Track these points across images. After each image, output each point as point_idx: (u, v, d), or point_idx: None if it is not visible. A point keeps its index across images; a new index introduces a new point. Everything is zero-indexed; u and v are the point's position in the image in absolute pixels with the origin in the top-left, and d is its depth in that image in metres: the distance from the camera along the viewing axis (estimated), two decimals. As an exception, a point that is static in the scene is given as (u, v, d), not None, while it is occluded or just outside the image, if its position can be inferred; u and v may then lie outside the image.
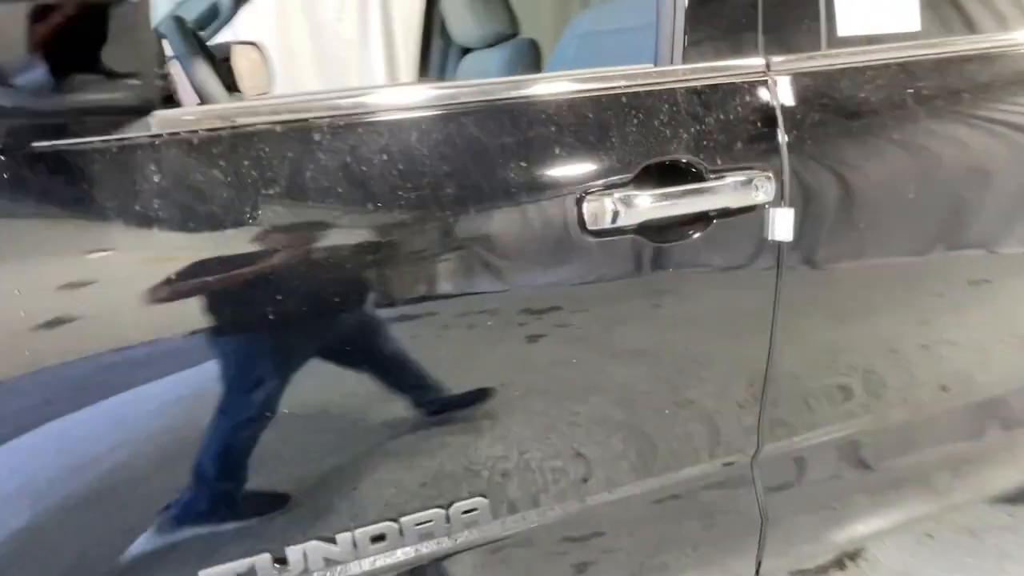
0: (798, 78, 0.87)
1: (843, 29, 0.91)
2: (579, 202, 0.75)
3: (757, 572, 1.03)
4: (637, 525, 0.95)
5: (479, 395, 0.78)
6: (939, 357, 1.07)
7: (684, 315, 0.87)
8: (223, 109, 0.70)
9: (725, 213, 0.81)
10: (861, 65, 0.90)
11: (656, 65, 0.84)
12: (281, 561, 0.73)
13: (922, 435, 1.13)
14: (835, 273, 0.95)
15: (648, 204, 0.77)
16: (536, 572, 0.90)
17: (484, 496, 0.81)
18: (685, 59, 0.83)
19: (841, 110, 0.88)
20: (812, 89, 0.87)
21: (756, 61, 0.85)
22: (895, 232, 0.95)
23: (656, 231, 0.79)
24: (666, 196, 0.78)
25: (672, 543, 0.98)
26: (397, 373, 0.74)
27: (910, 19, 0.95)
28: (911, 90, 0.91)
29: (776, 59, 0.86)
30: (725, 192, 0.80)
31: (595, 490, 0.88)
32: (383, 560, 0.79)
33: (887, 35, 0.94)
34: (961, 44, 0.98)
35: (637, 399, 0.87)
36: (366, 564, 0.77)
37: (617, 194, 0.75)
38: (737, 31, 0.85)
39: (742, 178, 0.81)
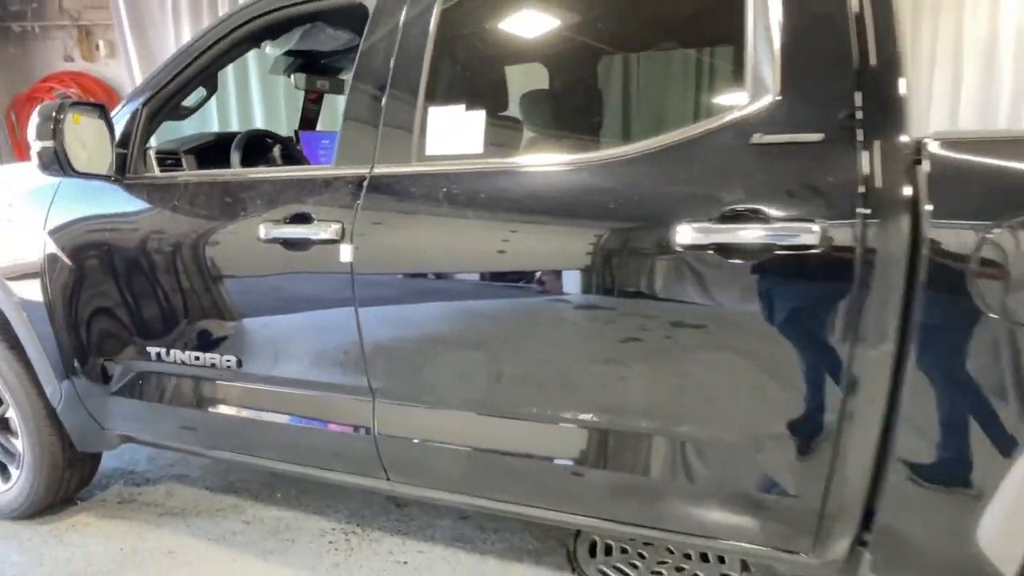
0: (392, 175, 1.55)
1: (430, 150, 1.54)
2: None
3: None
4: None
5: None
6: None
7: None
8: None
9: (323, 242, 1.58)
10: (433, 171, 1.51)
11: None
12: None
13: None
14: (388, 283, 1.55)
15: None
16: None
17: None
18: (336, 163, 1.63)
19: (399, 194, 1.52)
20: (398, 180, 1.54)
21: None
22: (432, 265, 1.49)
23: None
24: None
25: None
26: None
27: (476, 145, 1.49)
28: (455, 188, 1.47)
29: (380, 167, 1.57)
30: (328, 232, 1.57)
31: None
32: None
33: (459, 155, 1.51)
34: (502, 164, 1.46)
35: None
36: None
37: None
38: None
39: (335, 226, 1.56)
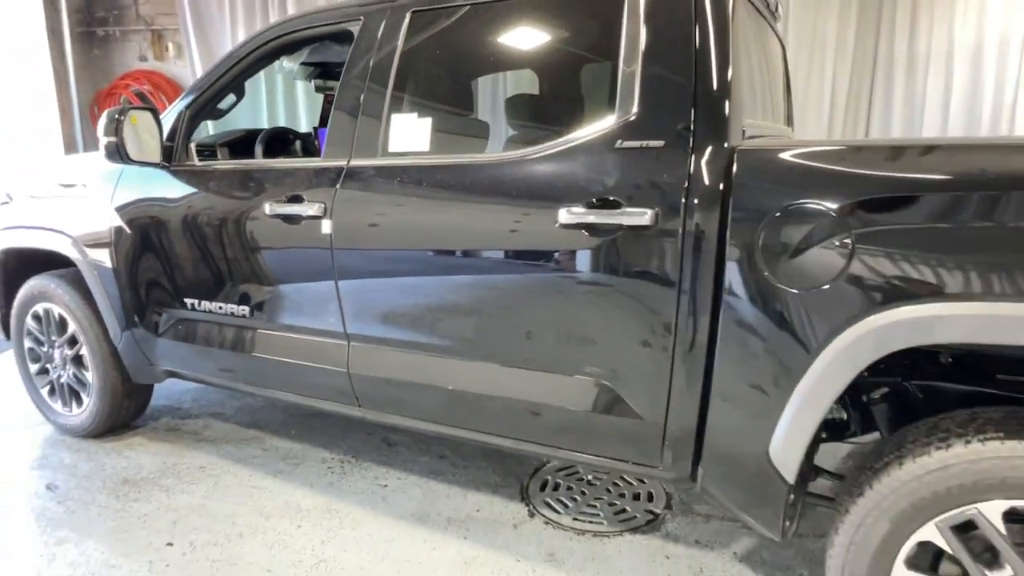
0: (363, 167, 2.00)
1: (392, 148, 1.98)
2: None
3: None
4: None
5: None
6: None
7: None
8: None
9: (310, 217, 2.04)
10: (393, 164, 1.95)
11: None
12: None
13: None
14: (358, 250, 1.99)
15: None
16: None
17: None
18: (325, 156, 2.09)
19: (367, 181, 1.97)
20: (368, 171, 1.99)
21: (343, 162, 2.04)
22: (391, 240, 1.93)
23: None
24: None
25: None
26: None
27: (424, 144, 1.92)
28: (407, 177, 1.91)
29: (355, 160, 2.02)
30: (314, 210, 2.03)
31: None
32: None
33: (411, 152, 1.94)
34: (436, 158, 1.88)
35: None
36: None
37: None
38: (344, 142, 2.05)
39: (319, 205, 2.02)
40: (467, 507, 2.46)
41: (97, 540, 2.25)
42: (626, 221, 1.58)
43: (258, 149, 2.61)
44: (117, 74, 5.72)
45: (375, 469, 2.73)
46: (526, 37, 1.92)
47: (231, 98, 2.52)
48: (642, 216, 1.56)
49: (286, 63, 2.60)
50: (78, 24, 5.41)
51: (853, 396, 1.81)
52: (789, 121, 2.83)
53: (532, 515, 2.42)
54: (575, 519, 2.38)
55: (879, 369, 1.77)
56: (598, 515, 2.42)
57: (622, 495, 2.55)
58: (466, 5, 1.91)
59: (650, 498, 2.53)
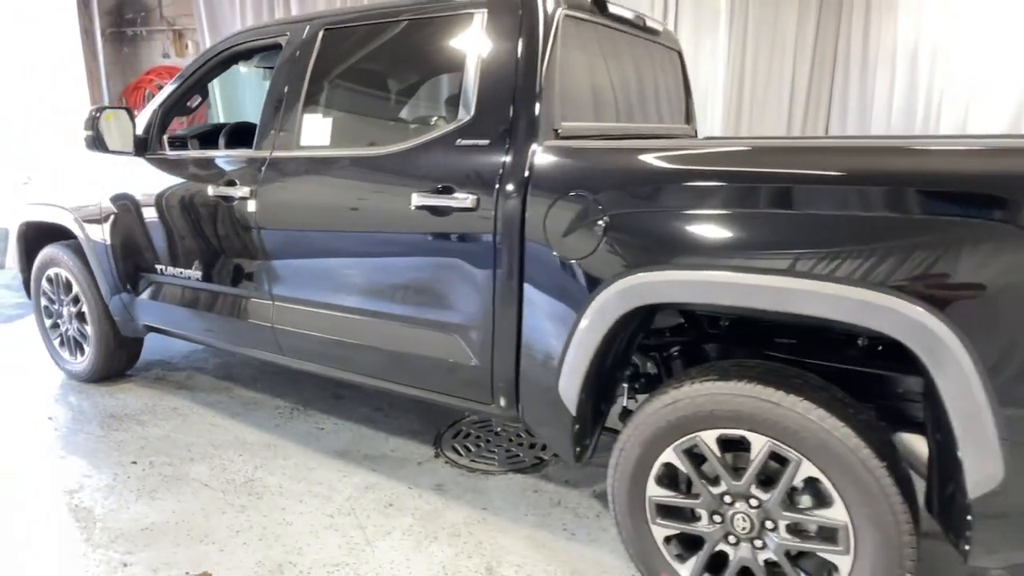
0: (282, 158, 2.44)
1: (303, 142, 2.41)
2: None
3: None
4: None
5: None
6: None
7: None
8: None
9: (241, 198, 2.50)
10: (302, 156, 2.39)
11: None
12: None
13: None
14: (277, 226, 2.43)
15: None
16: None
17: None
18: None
19: (284, 170, 2.41)
20: (284, 161, 2.43)
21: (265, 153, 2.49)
22: (299, 219, 2.37)
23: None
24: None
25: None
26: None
27: (324, 139, 2.35)
28: (310, 167, 2.34)
29: (276, 152, 2.46)
30: (243, 192, 2.49)
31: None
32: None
33: (315, 146, 2.37)
34: (333, 151, 2.31)
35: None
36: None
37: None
38: (269, 137, 2.50)
39: (248, 188, 2.48)
40: (385, 448, 2.90)
41: (79, 457, 2.79)
42: (456, 204, 1.98)
43: (221, 141, 3.08)
44: (143, 70, 6.35)
45: (318, 416, 3.21)
46: (401, 53, 2.32)
47: (197, 99, 3.00)
48: (467, 200, 1.96)
49: (243, 68, 3.06)
50: (109, 25, 6.04)
51: (662, 354, 2.17)
52: (689, 120, 3.15)
53: (437, 456, 2.85)
54: (472, 461, 2.80)
55: (682, 330, 2.15)
56: (494, 459, 2.83)
57: (520, 444, 2.96)
58: (360, 26, 2.33)
59: (544, 447, 2.92)
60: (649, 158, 1.75)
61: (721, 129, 4.94)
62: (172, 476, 2.64)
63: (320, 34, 2.42)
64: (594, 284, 1.77)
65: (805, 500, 1.65)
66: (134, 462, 2.75)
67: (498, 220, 1.93)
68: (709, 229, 1.61)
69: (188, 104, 2.98)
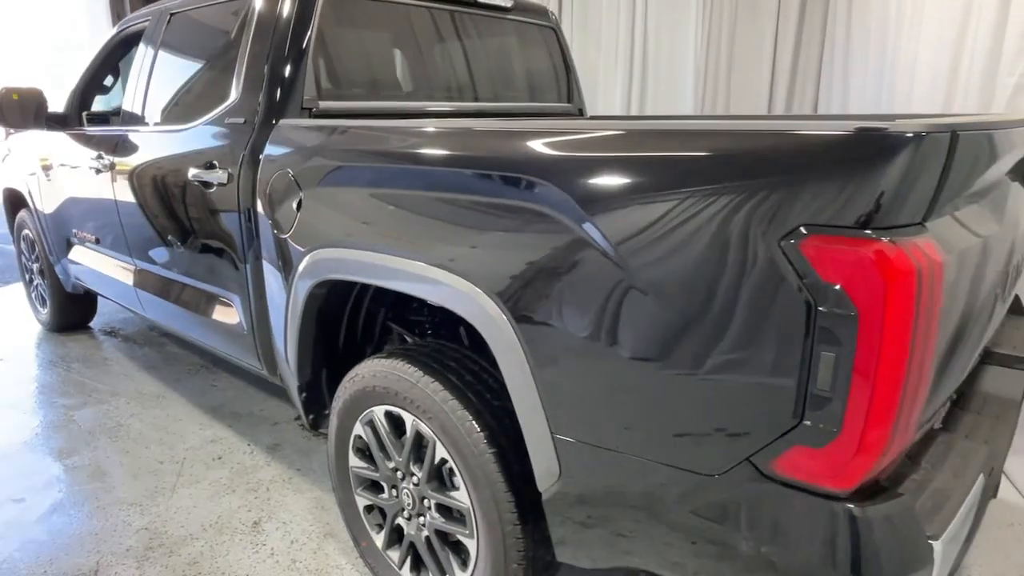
0: (128, 132, 2.67)
1: (145, 119, 2.62)
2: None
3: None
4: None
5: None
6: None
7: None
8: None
9: (106, 168, 2.76)
10: (137, 132, 2.60)
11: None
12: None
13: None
14: (129, 196, 2.66)
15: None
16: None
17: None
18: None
19: (126, 147, 2.63)
20: (127, 137, 2.65)
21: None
22: (130, 188, 2.59)
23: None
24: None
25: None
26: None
27: (154, 116, 2.54)
28: (135, 144, 2.55)
29: (127, 127, 2.69)
30: (103, 165, 2.75)
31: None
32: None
33: (147, 123, 2.57)
34: (155, 129, 2.49)
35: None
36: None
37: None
38: (126, 115, 2.73)
39: (108, 160, 2.73)
40: (254, 407, 3.12)
41: (19, 390, 3.24)
42: (214, 179, 2.10)
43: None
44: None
45: (220, 374, 3.48)
46: (207, 37, 2.46)
47: (111, 78, 3.30)
48: (222, 175, 2.07)
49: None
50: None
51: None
52: (570, 98, 3.07)
53: (296, 419, 3.01)
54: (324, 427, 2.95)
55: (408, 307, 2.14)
56: (346, 425, 2.95)
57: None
58: (190, 10, 2.49)
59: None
60: (330, 138, 1.78)
61: (693, 109, 4.69)
62: (59, 421, 2.99)
63: (167, 19, 2.60)
64: (294, 258, 1.84)
65: (457, 481, 1.65)
66: (65, 395, 3.16)
67: (240, 194, 2.03)
68: (356, 209, 1.63)
69: (103, 83, 3.28)
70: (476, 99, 2.63)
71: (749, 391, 1.05)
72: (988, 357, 1.84)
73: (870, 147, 0.92)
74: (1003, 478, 2.49)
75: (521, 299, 1.29)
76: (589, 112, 3.22)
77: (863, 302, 0.92)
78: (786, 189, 0.98)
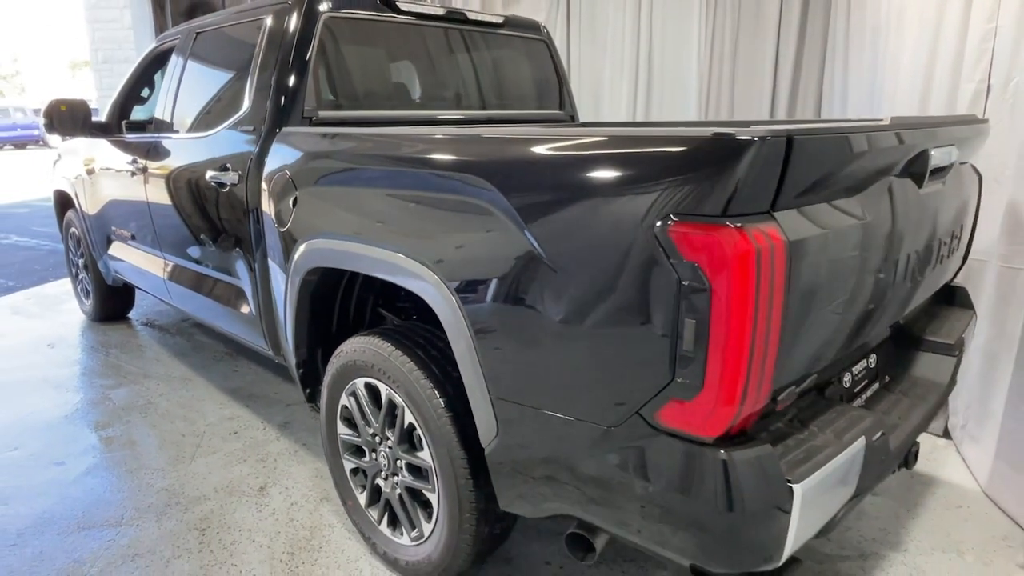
0: (159, 139, 2.98)
1: (175, 128, 2.93)
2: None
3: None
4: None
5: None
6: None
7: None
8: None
9: (139, 171, 3.08)
10: (168, 138, 2.91)
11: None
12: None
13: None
14: (160, 196, 2.98)
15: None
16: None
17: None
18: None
19: (161, 151, 2.95)
20: (158, 143, 2.97)
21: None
22: (164, 188, 2.90)
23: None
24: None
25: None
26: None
27: (182, 125, 2.85)
28: (166, 150, 2.86)
29: (159, 134, 3.01)
30: (137, 167, 3.08)
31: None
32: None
33: (177, 130, 2.88)
34: (182, 136, 2.79)
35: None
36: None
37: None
38: (159, 124, 3.05)
39: (141, 163, 3.06)
40: (270, 390, 3.40)
41: (64, 371, 3.59)
42: (227, 180, 2.38)
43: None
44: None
45: (241, 361, 3.78)
46: (228, 53, 2.75)
47: (147, 90, 3.64)
48: (234, 176, 2.35)
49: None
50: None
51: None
52: (562, 106, 3.28)
53: (308, 402, 3.28)
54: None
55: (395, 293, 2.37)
56: (352, 408, 3.22)
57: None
58: (211, 30, 2.79)
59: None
60: (320, 142, 2.04)
61: (696, 116, 4.84)
62: (97, 398, 3.32)
63: (194, 37, 2.91)
64: (290, 249, 2.10)
65: (422, 442, 1.88)
66: (107, 376, 3.50)
67: (248, 193, 2.31)
68: (337, 204, 1.88)
69: (141, 95, 3.62)
70: (468, 108, 2.86)
71: (637, 353, 1.25)
72: (920, 344, 2.00)
73: (720, 149, 1.12)
74: (964, 465, 2.61)
75: (463, 280, 1.51)
76: (593, 119, 3.43)
77: (713, 277, 1.11)
78: (656, 184, 1.18)
